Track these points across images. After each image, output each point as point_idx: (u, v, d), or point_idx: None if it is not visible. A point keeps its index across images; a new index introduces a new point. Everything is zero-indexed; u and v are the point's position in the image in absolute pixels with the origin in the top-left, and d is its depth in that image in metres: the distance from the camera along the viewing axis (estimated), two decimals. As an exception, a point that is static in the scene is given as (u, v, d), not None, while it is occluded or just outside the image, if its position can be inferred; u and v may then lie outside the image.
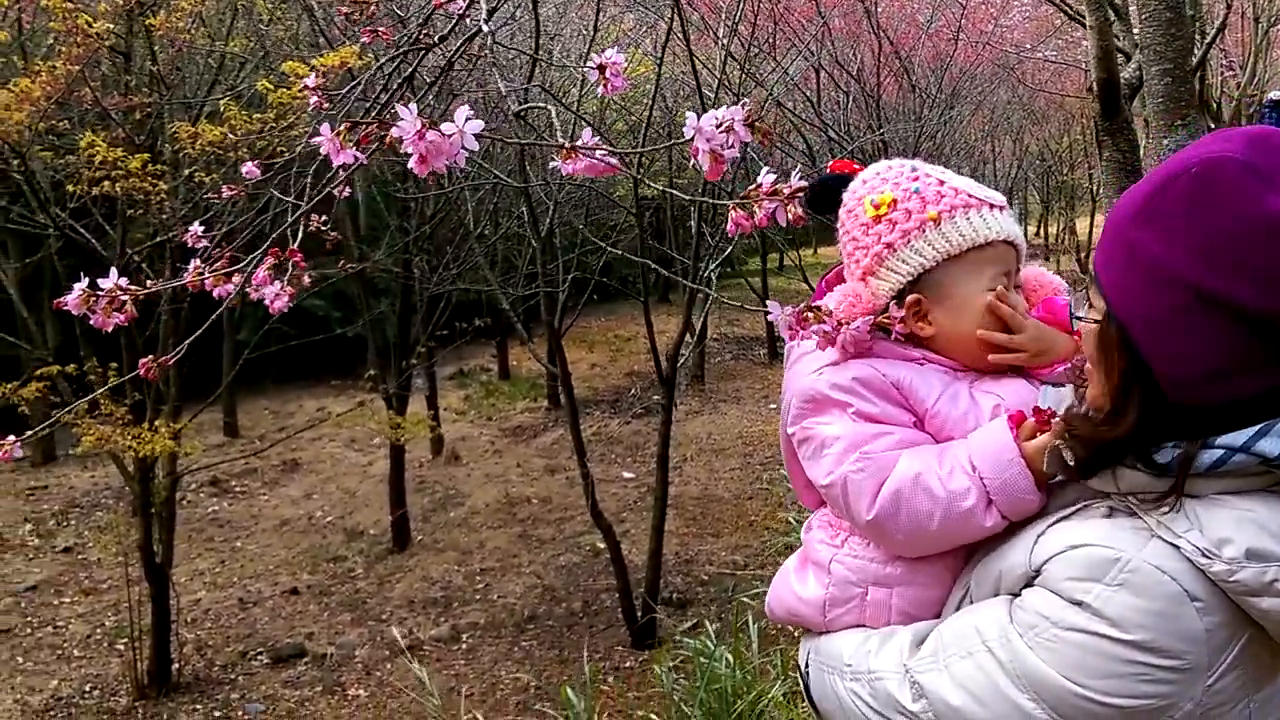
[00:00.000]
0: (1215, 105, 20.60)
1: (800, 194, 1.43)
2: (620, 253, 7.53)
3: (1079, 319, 1.32)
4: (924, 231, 1.50)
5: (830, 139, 10.40)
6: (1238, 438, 1.12)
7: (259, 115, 7.51)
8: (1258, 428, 1.11)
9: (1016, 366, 1.57)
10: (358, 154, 1.60)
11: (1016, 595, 1.28)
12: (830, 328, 1.45)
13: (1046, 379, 1.56)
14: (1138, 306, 1.17)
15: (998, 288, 1.53)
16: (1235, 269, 1.08)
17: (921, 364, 1.55)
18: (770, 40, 10.04)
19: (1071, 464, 1.27)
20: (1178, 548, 1.14)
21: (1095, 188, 22.13)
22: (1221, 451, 1.12)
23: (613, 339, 19.43)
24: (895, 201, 1.53)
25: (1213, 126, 18.28)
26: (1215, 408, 1.14)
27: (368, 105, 2.37)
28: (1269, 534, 1.11)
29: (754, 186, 1.45)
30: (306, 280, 3.07)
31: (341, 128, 1.56)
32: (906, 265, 1.52)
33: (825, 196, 1.68)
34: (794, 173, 1.44)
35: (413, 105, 1.39)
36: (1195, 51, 8.01)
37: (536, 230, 9.11)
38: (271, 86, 7.04)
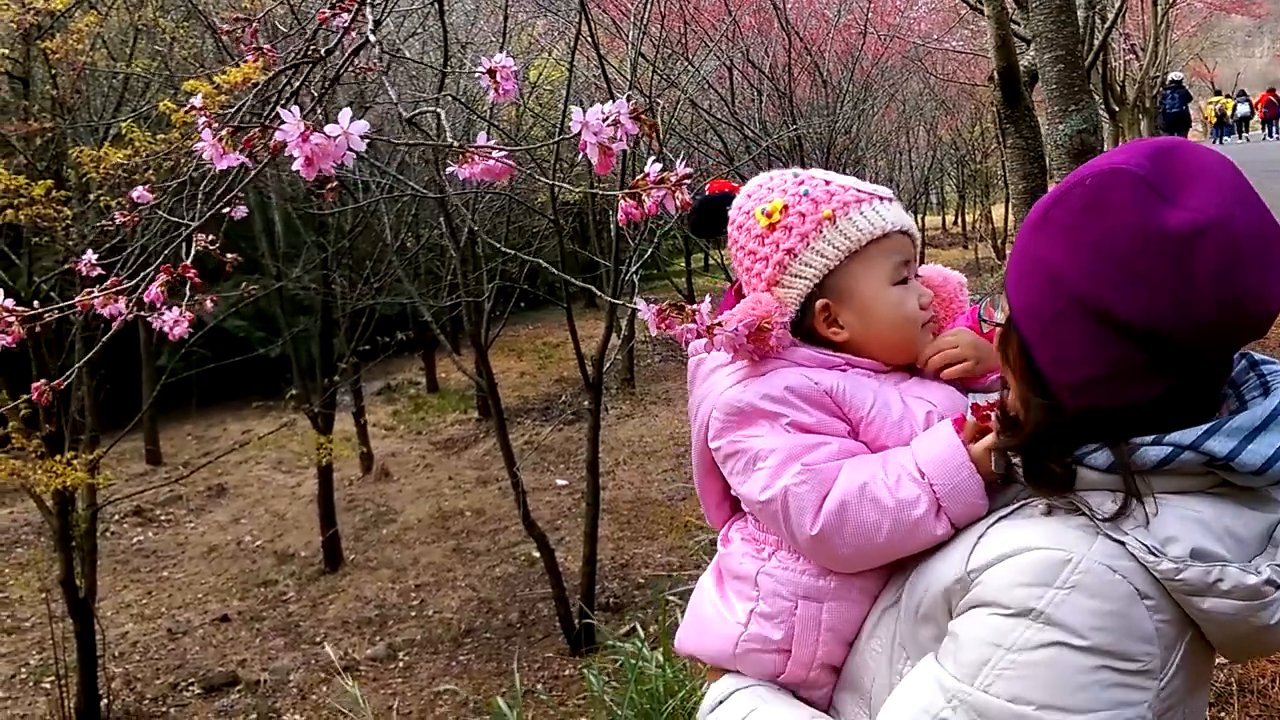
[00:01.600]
0: (1119, 88, 21.15)
1: (685, 180, 1.42)
2: (542, 263, 7.47)
3: (987, 323, 1.31)
4: (821, 231, 1.49)
5: (746, 137, 10.46)
6: (1186, 435, 1.11)
7: (163, 136, 7.37)
8: (1207, 426, 1.11)
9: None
10: (243, 158, 1.56)
11: (947, 619, 1.22)
12: (733, 331, 1.42)
13: (975, 387, 1.55)
14: (1029, 311, 1.18)
15: (909, 294, 1.51)
16: (1113, 278, 1.09)
17: (845, 369, 1.51)
18: (682, 40, 10.07)
19: (1014, 468, 1.26)
20: (1124, 544, 1.11)
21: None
22: (1170, 449, 1.12)
23: (541, 346, 19.37)
24: (786, 207, 1.51)
25: (1116, 109, 18.75)
26: (1116, 411, 1.15)
27: (261, 119, 2.32)
28: (1213, 535, 1.11)
29: (641, 176, 1.44)
30: (209, 305, 3.01)
31: (224, 132, 1.52)
32: (811, 268, 1.49)
33: (708, 217, 1.65)
34: (679, 161, 1.42)
35: (295, 109, 1.36)
36: (1097, 36, 8.20)
37: (456, 240, 9.05)
38: (175, 107, 6.90)
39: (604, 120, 1.40)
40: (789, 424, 1.44)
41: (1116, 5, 10.00)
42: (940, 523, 1.33)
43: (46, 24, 7.09)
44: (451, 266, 10.68)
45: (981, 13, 6.52)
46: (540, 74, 11.44)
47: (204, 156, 1.52)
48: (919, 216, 22.51)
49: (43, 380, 2.16)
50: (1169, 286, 1.08)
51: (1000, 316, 1.29)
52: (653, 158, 1.47)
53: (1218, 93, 33.59)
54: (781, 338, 1.47)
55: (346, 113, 1.36)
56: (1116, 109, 18.80)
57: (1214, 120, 30.42)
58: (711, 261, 24.73)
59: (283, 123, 1.35)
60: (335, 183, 7.71)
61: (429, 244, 12.20)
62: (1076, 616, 1.10)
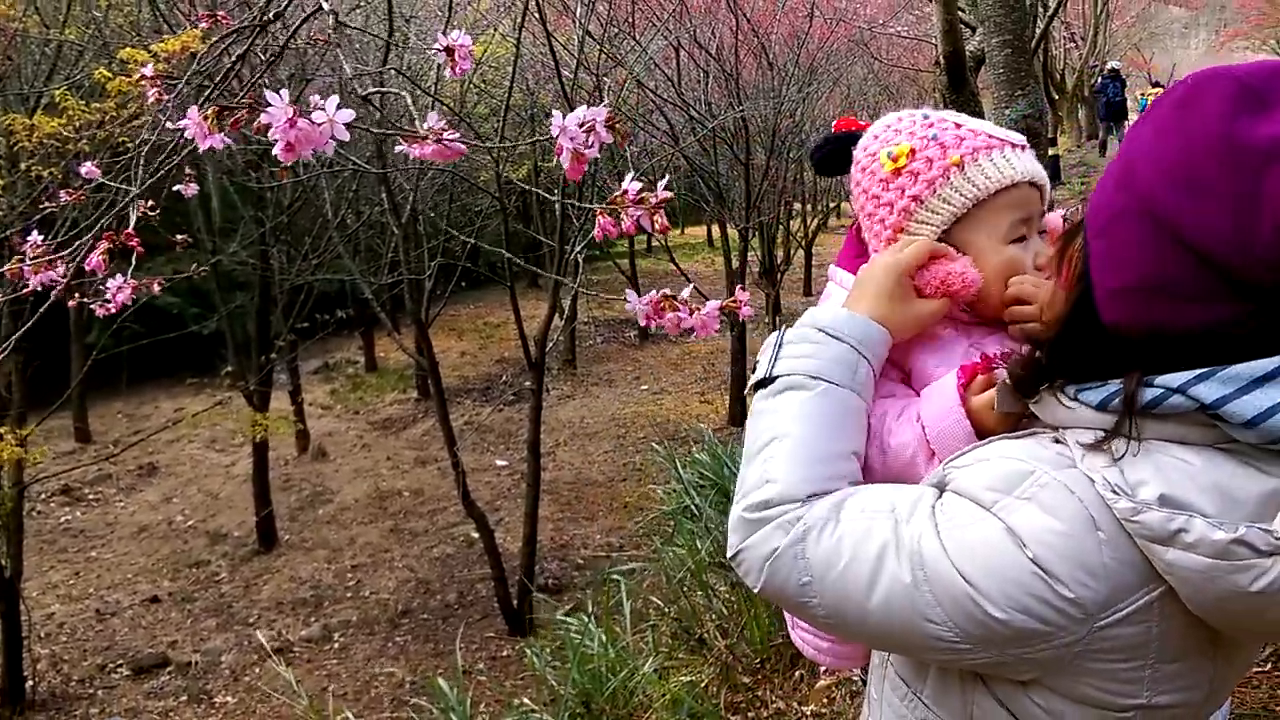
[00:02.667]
0: (1059, 76, 21.47)
1: (664, 205, 1.40)
2: (483, 245, 7.40)
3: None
4: (949, 178, 1.42)
5: (691, 117, 10.43)
6: (1176, 379, 1.04)
7: (98, 105, 7.19)
8: (1199, 371, 1.03)
9: None
10: (226, 139, 1.53)
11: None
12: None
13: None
14: (1098, 205, 1.12)
15: (1025, 254, 1.43)
16: (1180, 183, 1.02)
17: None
18: (630, 19, 10.01)
19: (1009, 383, 1.22)
20: (1093, 481, 1.07)
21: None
22: (1159, 391, 1.04)
23: (482, 326, 19.24)
24: (914, 151, 1.44)
25: (1055, 98, 19.01)
26: (1141, 341, 1.07)
27: (208, 90, 2.25)
28: (1196, 487, 1.03)
29: (620, 193, 1.44)
30: (156, 289, 2.92)
31: (210, 110, 1.47)
32: (938, 216, 1.43)
33: (833, 157, 1.59)
34: (660, 183, 1.41)
35: (284, 92, 1.35)
36: (1038, 24, 8.27)
37: (398, 217, 8.92)
38: (110, 75, 6.72)
39: (580, 126, 1.39)
40: None
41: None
42: (931, 465, 1.33)
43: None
44: (393, 244, 10.55)
45: (928, -3, 6.54)
46: (485, 50, 11.29)
47: (188, 135, 1.49)
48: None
49: (-13, 347, 2.08)
50: (1231, 202, 0.99)
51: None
52: (631, 175, 1.45)
53: (1155, 84, 34.20)
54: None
55: (333, 99, 1.35)
56: (1056, 97, 19.05)
57: (1151, 111, 30.98)
58: (655, 243, 24.73)
59: (269, 105, 1.33)
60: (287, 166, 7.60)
61: (370, 220, 12.04)
62: (1027, 525, 1.08)
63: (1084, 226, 1.14)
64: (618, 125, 1.41)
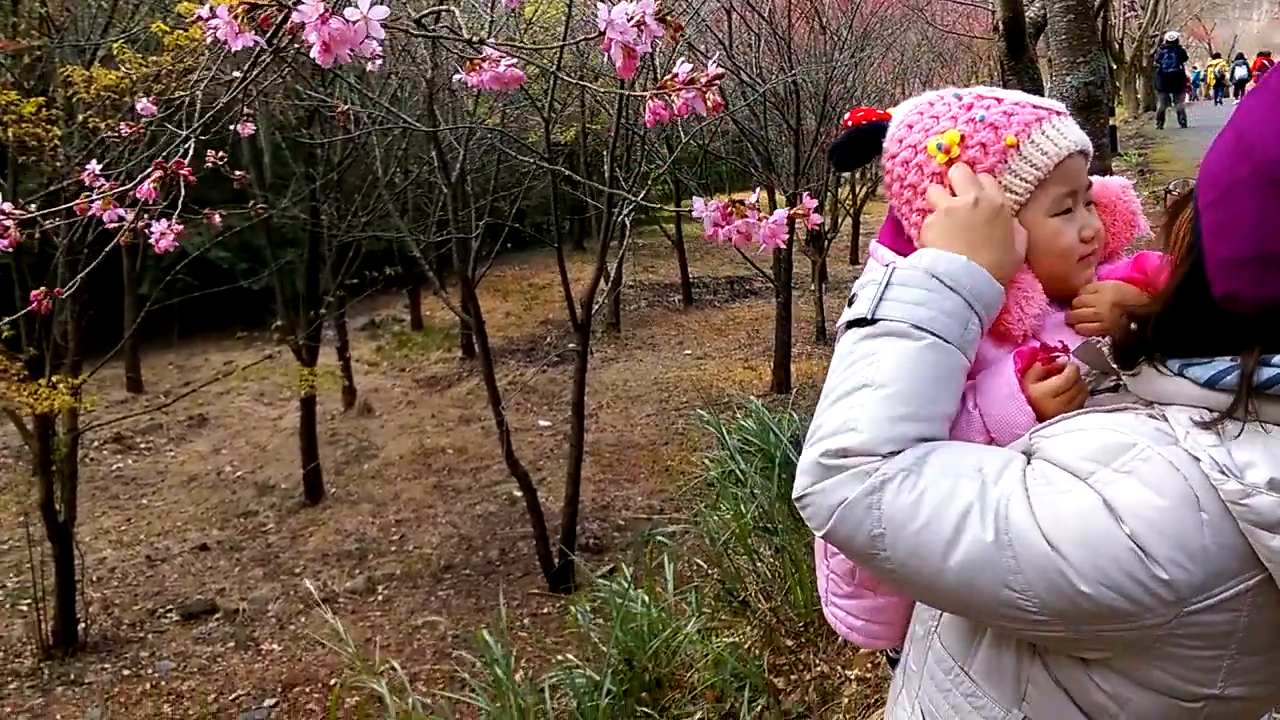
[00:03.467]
0: (1117, 45, 21.05)
1: (716, 81, 1.34)
2: (529, 206, 7.41)
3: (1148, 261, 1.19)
4: (1008, 163, 1.34)
5: (742, 81, 10.36)
6: None
7: (154, 59, 7.24)
8: None
9: None
10: (257, 38, 1.48)
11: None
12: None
13: None
14: (1211, 176, 1.07)
15: (1070, 226, 1.36)
16: None
17: None
18: (681, -19, 9.94)
19: (1106, 351, 1.17)
20: (1198, 460, 1.02)
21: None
22: (1276, 371, 0.99)
23: (527, 287, 19.29)
24: (964, 138, 1.35)
25: (1114, 67, 18.65)
26: (1254, 317, 1.02)
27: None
28: None
29: (670, 76, 1.37)
30: (217, 220, 2.94)
31: (240, 8, 1.44)
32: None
33: (859, 151, 1.51)
34: (710, 60, 1.36)
35: None
36: (1099, -6, 8.12)
37: (447, 176, 8.95)
38: (167, 29, 6.78)
39: (629, 20, 1.32)
40: None
41: (1121, -38, 9.90)
42: None
43: (35, -59, 6.94)
44: (441, 203, 10.59)
45: (988, -37, 6.45)
46: (536, 11, 11.25)
47: (218, 35, 1.42)
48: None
49: (42, 289, 2.13)
50: None
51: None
52: (681, 58, 1.40)
53: (1215, 55, 33.52)
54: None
55: None
56: (1114, 67, 18.69)
57: (1213, 82, 30.35)
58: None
59: (300, 2, 1.28)
60: (346, 107, 7.59)
61: (418, 179, 12.08)
62: (1126, 499, 1.03)
63: (1194, 197, 1.09)
64: (669, 19, 1.33)
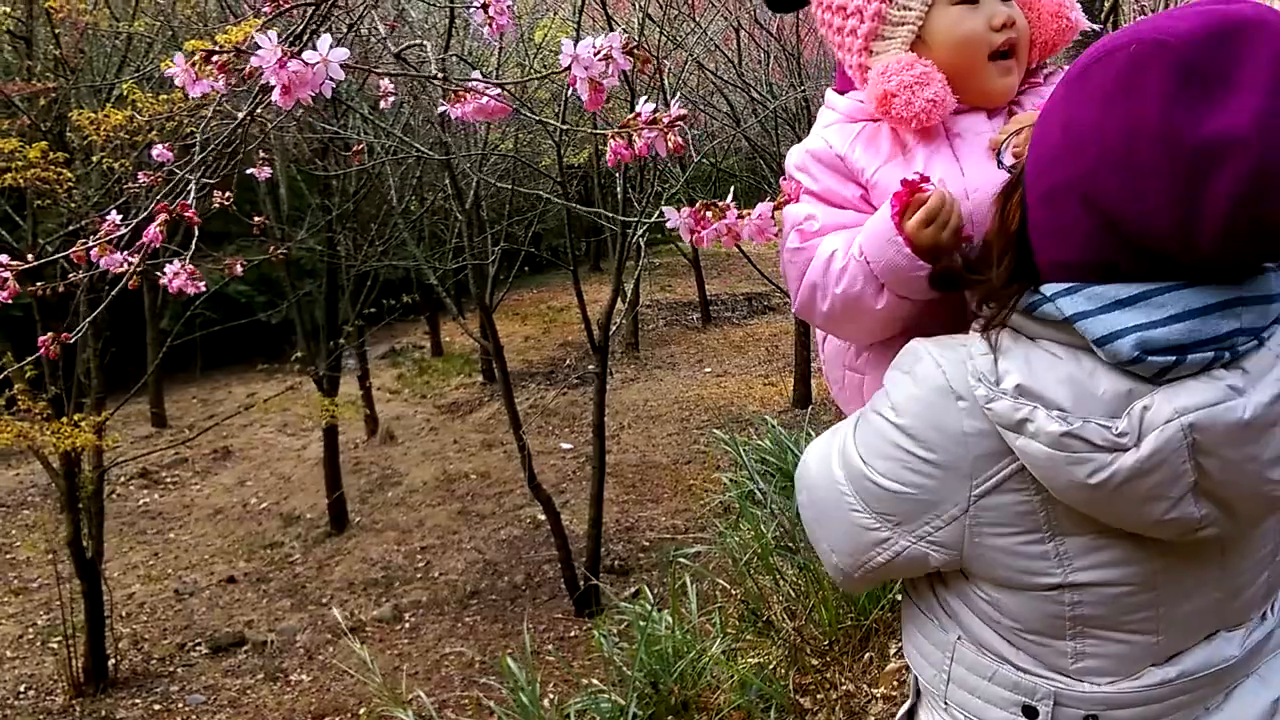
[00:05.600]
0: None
1: (680, 121, 1.34)
2: (545, 229, 7.45)
3: (1001, 166, 1.22)
4: None
5: (753, 99, 10.37)
6: (1051, 288, 1.11)
7: (165, 97, 7.31)
8: (1069, 285, 1.09)
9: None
10: (215, 84, 1.47)
11: None
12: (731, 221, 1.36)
13: None
14: (1042, 174, 1.12)
15: (977, 16, 1.35)
16: (1121, 173, 1.01)
17: (871, 122, 1.42)
18: (689, 1, 9.97)
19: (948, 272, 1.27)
20: (968, 364, 1.15)
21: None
22: (1037, 297, 1.12)
23: (545, 310, 19.33)
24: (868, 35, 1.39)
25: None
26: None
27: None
28: (1055, 379, 1.09)
29: (633, 115, 1.37)
30: (239, 270, 2.94)
31: (196, 56, 1.44)
32: (911, 10, 1.36)
33: None
34: (674, 101, 1.37)
35: (272, 33, 1.28)
36: (1107, -1, 8.09)
37: (461, 203, 9.00)
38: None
39: (595, 54, 1.32)
40: (805, 190, 1.44)
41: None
42: (882, 296, 1.32)
43: (49, -17, 7.03)
44: (456, 230, 10.63)
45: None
46: (545, 35, 11.31)
47: (176, 83, 1.42)
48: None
49: (50, 334, 2.14)
50: (1173, 202, 0.98)
51: (1009, 160, 1.22)
52: (644, 98, 1.40)
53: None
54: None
55: (325, 39, 1.29)
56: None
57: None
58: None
59: (258, 47, 1.27)
60: (361, 145, 7.60)
61: (434, 207, 12.14)
62: (899, 397, 1.20)
63: (1023, 184, 1.16)
64: (636, 51, 1.34)
